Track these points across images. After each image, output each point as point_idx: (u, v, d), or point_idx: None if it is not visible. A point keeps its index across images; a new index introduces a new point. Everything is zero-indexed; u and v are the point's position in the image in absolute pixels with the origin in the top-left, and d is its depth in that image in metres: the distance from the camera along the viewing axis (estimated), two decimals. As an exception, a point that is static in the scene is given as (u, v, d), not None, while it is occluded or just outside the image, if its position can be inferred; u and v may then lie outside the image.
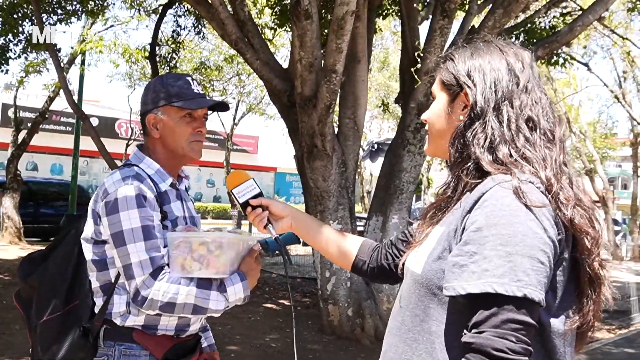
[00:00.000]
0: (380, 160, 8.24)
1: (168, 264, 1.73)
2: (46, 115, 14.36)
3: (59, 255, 1.89)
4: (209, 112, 1.99)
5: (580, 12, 7.71)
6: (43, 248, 1.99)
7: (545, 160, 1.23)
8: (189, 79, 1.93)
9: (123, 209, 1.71)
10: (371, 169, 25.54)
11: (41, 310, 1.82)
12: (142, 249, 1.69)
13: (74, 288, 1.83)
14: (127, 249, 1.69)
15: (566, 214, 1.17)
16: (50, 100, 14.00)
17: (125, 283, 1.72)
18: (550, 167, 1.22)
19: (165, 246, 1.74)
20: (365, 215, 8.13)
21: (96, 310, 1.79)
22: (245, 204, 1.70)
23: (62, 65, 10.85)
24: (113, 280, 1.77)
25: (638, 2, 10.17)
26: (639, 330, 8.03)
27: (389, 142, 7.86)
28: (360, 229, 7.36)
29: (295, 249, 13.19)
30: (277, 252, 11.91)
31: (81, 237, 1.82)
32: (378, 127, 28.72)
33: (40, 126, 14.41)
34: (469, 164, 1.27)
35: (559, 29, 8.14)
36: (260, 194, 1.72)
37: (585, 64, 17.10)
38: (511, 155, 1.23)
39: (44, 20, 9.61)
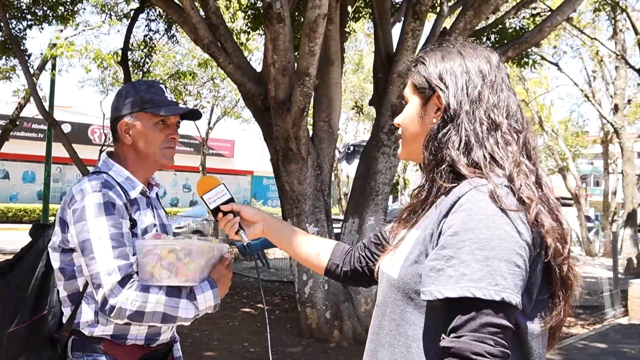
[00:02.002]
0: (357, 162, 8.27)
1: (137, 272, 1.70)
2: (17, 122, 14.12)
3: (26, 265, 1.86)
4: (182, 120, 1.98)
5: (549, 13, 7.83)
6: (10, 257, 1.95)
7: (517, 161, 1.24)
8: (162, 86, 1.92)
9: (91, 217, 1.69)
10: (348, 171, 25.62)
11: (7, 320, 1.79)
12: (110, 256, 1.66)
13: (41, 298, 1.80)
14: (95, 257, 1.67)
15: (537, 216, 1.18)
16: (21, 106, 13.77)
17: (93, 292, 1.69)
18: (521, 169, 1.23)
19: (134, 254, 1.71)
20: (342, 217, 8.14)
21: (64, 320, 1.76)
22: (216, 210, 1.68)
23: (32, 71, 10.67)
24: (81, 289, 1.75)
25: (604, 3, 10.38)
26: (612, 325, 8.16)
27: (365, 143, 7.88)
28: (336, 231, 7.36)
29: (273, 253, 13.17)
30: (255, 255, 11.88)
31: (49, 246, 1.79)
32: (354, 129, 28.83)
33: (11, 133, 14.16)
34: (443, 167, 1.27)
35: (528, 29, 8.26)
36: (231, 200, 1.69)
37: (556, 64, 17.39)
38: (485, 158, 1.23)
39: (13, 25, 9.46)
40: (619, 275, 10.06)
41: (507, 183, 1.19)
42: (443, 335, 1.13)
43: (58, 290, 1.78)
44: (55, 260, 1.77)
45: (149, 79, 11.23)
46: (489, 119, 1.27)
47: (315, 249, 1.68)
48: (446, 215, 1.20)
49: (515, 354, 1.15)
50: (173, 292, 1.71)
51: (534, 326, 1.20)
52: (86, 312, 1.74)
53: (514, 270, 1.10)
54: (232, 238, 1.73)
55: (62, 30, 12.73)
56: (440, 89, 1.31)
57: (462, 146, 1.25)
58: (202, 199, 1.69)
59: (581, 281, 1.26)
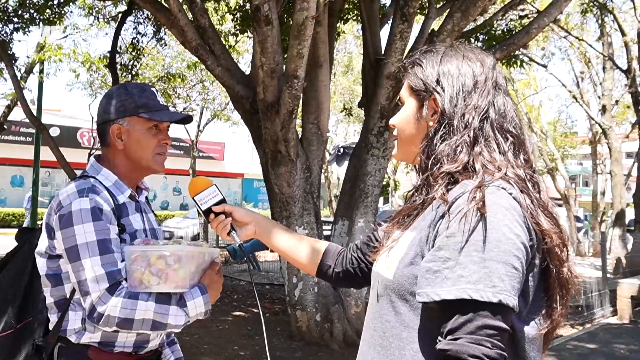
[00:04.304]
0: (347, 164, 8.28)
1: (126, 279, 1.67)
2: (5, 126, 14.01)
3: (11, 271, 1.83)
4: (173, 124, 1.96)
5: (537, 15, 7.87)
6: None
7: (514, 165, 1.24)
8: (154, 89, 1.89)
9: (78, 223, 1.66)
10: (338, 173, 25.62)
11: None
12: (97, 263, 1.64)
13: (26, 304, 1.77)
14: (82, 263, 1.64)
15: (535, 219, 1.18)
16: (9, 110, 13.66)
17: (81, 299, 1.67)
18: (518, 172, 1.23)
19: (122, 260, 1.69)
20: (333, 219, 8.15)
21: (50, 327, 1.74)
22: (208, 211, 1.67)
23: (19, 74, 10.59)
24: (68, 296, 1.72)
25: (591, 4, 10.45)
26: (602, 325, 8.21)
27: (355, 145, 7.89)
28: (326, 233, 7.35)
29: (263, 256, 13.14)
30: (246, 258, 11.89)
31: (35, 252, 1.77)
32: (344, 131, 28.85)
33: (-1, 137, 14.06)
34: (439, 170, 1.26)
35: (516, 31, 8.30)
36: (223, 200, 1.68)
37: (544, 65, 17.47)
38: (481, 161, 1.23)
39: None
40: (608, 275, 10.12)
41: (504, 185, 1.19)
42: (439, 337, 1.12)
43: (44, 297, 1.75)
44: (42, 266, 1.74)
45: (138, 81, 11.18)
46: (486, 123, 1.27)
47: (307, 250, 1.68)
48: (442, 216, 1.19)
49: (510, 357, 1.14)
50: (162, 298, 1.68)
51: (529, 329, 1.19)
52: (73, 319, 1.71)
53: (511, 273, 1.10)
54: (224, 239, 1.72)
55: (51, 32, 12.65)
56: (437, 92, 1.31)
57: (459, 149, 1.25)
58: (194, 200, 1.67)
59: (578, 284, 1.25)
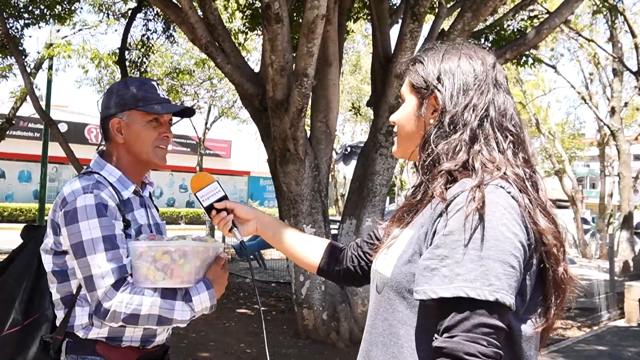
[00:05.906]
0: (354, 163, 8.26)
1: (131, 274, 1.68)
2: (13, 122, 14.07)
3: (17, 267, 1.83)
4: (175, 117, 1.95)
5: (547, 15, 7.83)
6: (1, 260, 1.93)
7: (513, 164, 1.23)
8: (155, 83, 1.88)
9: (83, 219, 1.65)
10: (345, 172, 25.63)
11: None
12: (103, 259, 1.64)
13: (33, 301, 1.77)
14: (88, 259, 1.64)
15: (533, 219, 1.18)
16: (17, 105, 13.72)
17: (87, 295, 1.67)
18: (517, 171, 1.22)
19: (128, 256, 1.69)
20: (339, 218, 8.14)
21: (57, 323, 1.74)
22: (209, 208, 1.67)
23: (28, 70, 10.63)
24: (74, 292, 1.72)
25: (602, 6, 10.39)
26: (609, 327, 8.17)
27: (362, 144, 7.88)
28: (334, 232, 7.35)
29: (269, 254, 13.14)
30: (252, 256, 11.85)
31: (40, 248, 1.77)
32: (351, 130, 28.84)
33: (7, 132, 14.11)
34: (439, 168, 1.25)
35: (526, 31, 8.27)
36: (225, 197, 1.68)
37: (553, 66, 17.40)
38: (481, 160, 1.22)
39: (10, 24, 9.43)
40: (616, 278, 10.07)
41: (503, 184, 1.18)
42: (436, 335, 1.12)
43: (51, 293, 1.75)
44: (48, 262, 1.74)
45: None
46: (486, 122, 1.27)
47: (309, 248, 1.68)
48: (441, 214, 1.19)
49: (507, 355, 1.14)
50: (168, 294, 1.68)
51: (526, 328, 1.19)
52: (80, 315, 1.71)
53: (508, 271, 1.10)
54: (225, 235, 1.72)
55: (58, 31, 12.69)
56: (438, 90, 1.30)
57: (458, 148, 1.25)
58: (196, 196, 1.68)
59: (576, 285, 1.25)
